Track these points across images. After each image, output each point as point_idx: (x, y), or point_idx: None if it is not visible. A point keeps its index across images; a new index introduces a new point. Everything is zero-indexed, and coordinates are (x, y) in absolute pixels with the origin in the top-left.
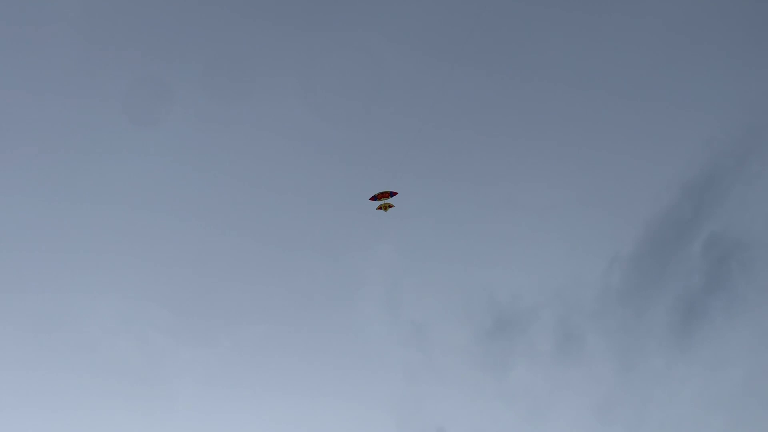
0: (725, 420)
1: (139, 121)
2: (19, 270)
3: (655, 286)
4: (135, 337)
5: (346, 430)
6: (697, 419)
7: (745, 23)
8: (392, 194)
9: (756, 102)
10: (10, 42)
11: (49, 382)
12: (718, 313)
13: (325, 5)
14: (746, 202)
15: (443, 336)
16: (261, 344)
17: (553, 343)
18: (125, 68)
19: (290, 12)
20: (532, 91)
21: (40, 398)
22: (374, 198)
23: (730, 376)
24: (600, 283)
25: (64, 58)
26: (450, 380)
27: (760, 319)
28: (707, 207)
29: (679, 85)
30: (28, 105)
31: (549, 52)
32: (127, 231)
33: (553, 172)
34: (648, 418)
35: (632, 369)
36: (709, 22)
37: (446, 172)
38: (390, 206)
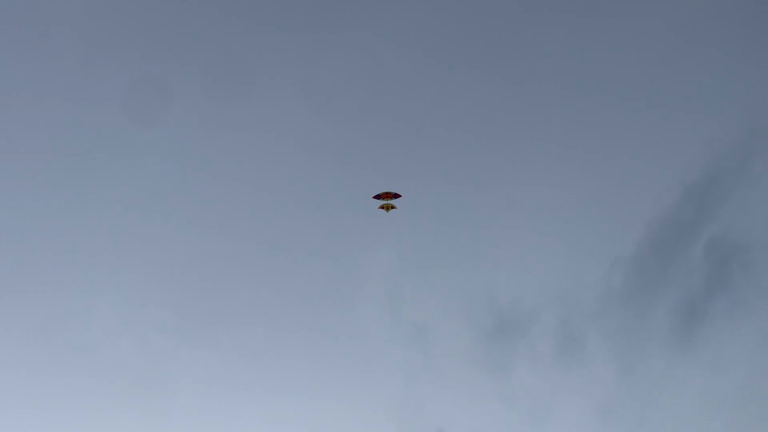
0: (726, 422)
1: (140, 122)
2: (18, 271)
3: (656, 288)
4: (135, 339)
5: (347, 431)
6: (698, 421)
7: (746, 25)
8: (396, 196)
9: (757, 104)
10: (10, 42)
11: (49, 383)
12: (720, 315)
13: (326, 5)
14: (748, 204)
15: (444, 337)
16: (262, 345)
17: (554, 345)
18: (125, 69)
19: (291, 12)
20: (532, 93)
21: (40, 399)
22: (378, 197)
23: (731, 378)
24: (601, 285)
25: (63, 58)
26: (450, 382)
27: (761, 322)
28: (708, 209)
29: (680, 87)
30: (27, 105)
31: (550, 54)
32: (128, 232)
33: (554, 174)
34: (649, 420)
35: (633, 371)
36: (710, 23)
37: (447, 173)
38: (392, 207)
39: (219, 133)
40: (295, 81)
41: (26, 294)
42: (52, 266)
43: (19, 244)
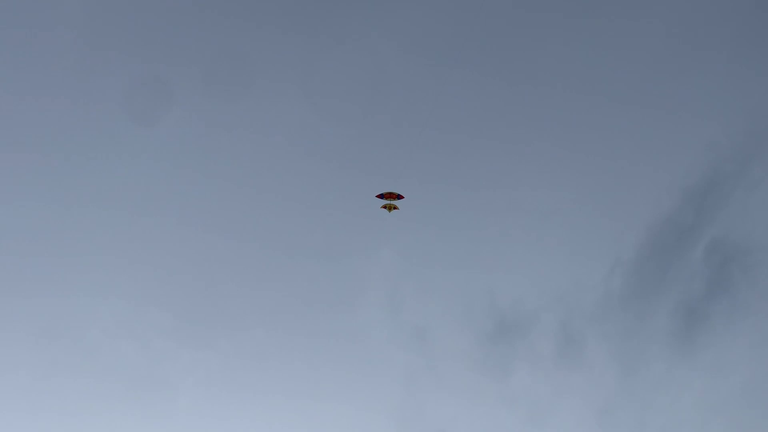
0: (727, 425)
1: (139, 123)
2: (17, 273)
3: (656, 291)
4: (136, 341)
5: None
6: (699, 424)
7: (747, 27)
8: (399, 197)
9: (758, 106)
10: (10, 42)
11: (49, 385)
12: (720, 318)
13: (327, 5)
14: (748, 207)
15: (444, 339)
16: (262, 348)
17: (554, 347)
18: (125, 68)
19: (293, 12)
20: (533, 95)
21: (40, 401)
22: (381, 196)
23: (731, 381)
24: (601, 288)
25: (63, 58)
26: (451, 384)
27: (761, 325)
28: (709, 212)
29: (680, 90)
30: (26, 106)
31: (550, 56)
32: (127, 233)
33: (554, 177)
34: (649, 422)
35: (633, 373)
36: (710, 26)
37: (447, 176)
38: (394, 207)
39: (219, 134)
40: (295, 81)
41: (25, 296)
42: (50, 268)
43: (18, 245)
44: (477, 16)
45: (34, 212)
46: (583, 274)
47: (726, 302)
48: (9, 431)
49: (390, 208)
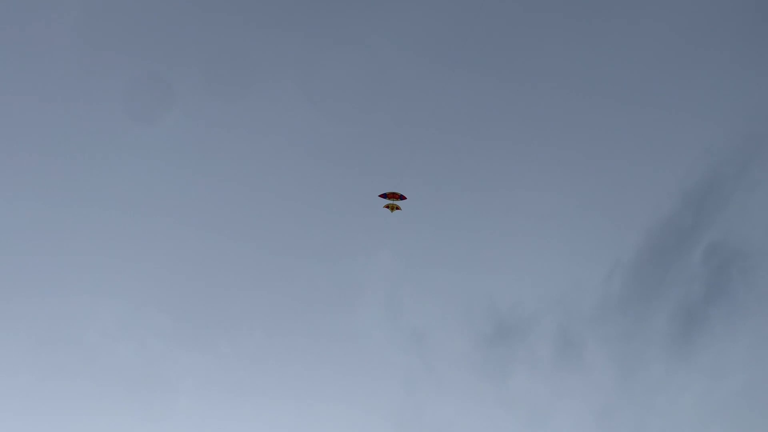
0: (725, 427)
1: (140, 122)
2: (16, 274)
3: (655, 294)
4: (134, 343)
5: None
6: (697, 426)
7: (746, 29)
8: (402, 197)
9: (757, 109)
10: (10, 41)
11: (47, 387)
12: (719, 320)
13: (327, 6)
14: (747, 209)
15: (443, 342)
16: (261, 349)
17: (553, 350)
18: (125, 68)
19: (294, 11)
20: (531, 97)
21: (38, 404)
22: (384, 195)
23: (730, 384)
24: (600, 291)
25: (63, 58)
26: (450, 386)
27: (760, 327)
28: (708, 215)
29: (680, 92)
30: (26, 106)
31: (550, 58)
32: (126, 234)
33: (553, 179)
34: (648, 425)
35: (632, 376)
36: (709, 28)
37: (446, 177)
38: (397, 207)
39: (219, 134)
40: (295, 81)
41: (24, 296)
42: (49, 269)
43: (17, 246)
44: (477, 16)
45: (32, 212)
46: (583, 276)
47: (725, 305)
48: None
49: (393, 208)
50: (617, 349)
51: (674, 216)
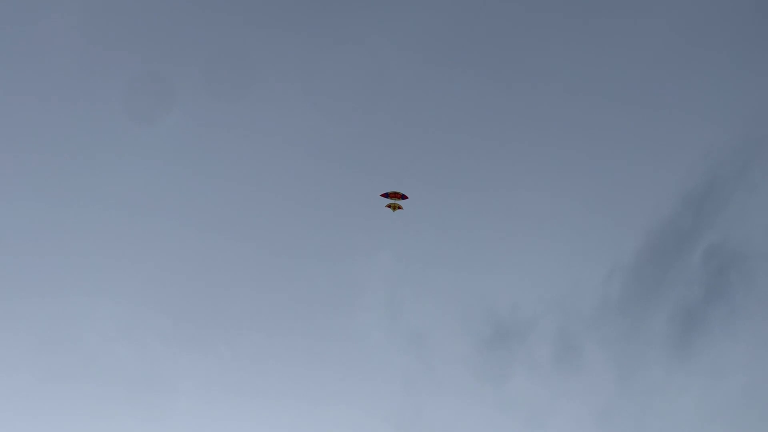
0: (724, 429)
1: (140, 122)
2: (15, 275)
3: (654, 296)
4: (134, 344)
5: None
6: (697, 428)
7: (747, 31)
8: (403, 197)
9: (757, 111)
10: (10, 41)
11: (46, 389)
12: (718, 323)
13: (328, 6)
14: (746, 212)
15: (442, 344)
16: (260, 351)
17: (552, 352)
18: (126, 68)
19: (294, 11)
20: (531, 98)
21: (38, 405)
22: (386, 195)
23: (729, 386)
24: (599, 293)
25: (63, 58)
26: (449, 388)
27: (759, 330)
28: (707, 217)
29: (679, 94)
30: (27, 105)
31: (550, 59)
32: (126, 235)
33: (553, 181)
34: (647, 427)
35: (631, 378)
36: (710, 29)
37: (446, 179)
38: (398, 207)
39: (219, 134)
40: (296, 81)
41: (24, 298)
42: (49, 270)
43: (17, 246)
44: (477, 16)
45: (32, 212)
46: (581, 278)
47: (724, 306)
48: None
49: (394, 207)
50: (616, 350)
51: (674, 217)
